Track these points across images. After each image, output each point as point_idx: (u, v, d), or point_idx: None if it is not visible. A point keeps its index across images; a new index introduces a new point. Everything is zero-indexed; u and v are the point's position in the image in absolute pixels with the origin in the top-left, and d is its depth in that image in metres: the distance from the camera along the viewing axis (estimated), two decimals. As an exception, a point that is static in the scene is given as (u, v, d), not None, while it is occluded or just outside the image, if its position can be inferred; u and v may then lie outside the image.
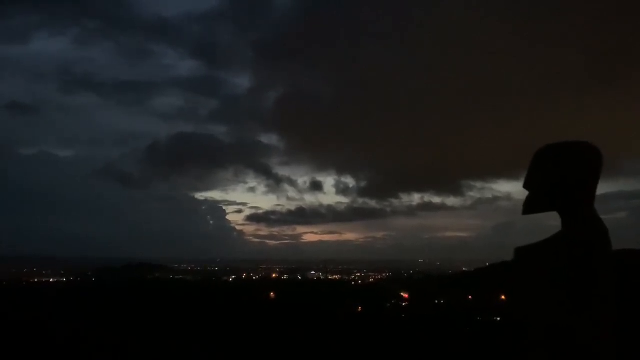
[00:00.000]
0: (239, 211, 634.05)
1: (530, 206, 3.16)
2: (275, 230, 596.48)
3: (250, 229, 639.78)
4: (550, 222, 3.16)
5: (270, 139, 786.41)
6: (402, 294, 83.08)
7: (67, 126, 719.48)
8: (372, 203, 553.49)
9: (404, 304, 69.93)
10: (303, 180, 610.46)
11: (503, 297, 47.61)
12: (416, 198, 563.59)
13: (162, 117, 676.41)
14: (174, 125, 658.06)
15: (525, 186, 3.19)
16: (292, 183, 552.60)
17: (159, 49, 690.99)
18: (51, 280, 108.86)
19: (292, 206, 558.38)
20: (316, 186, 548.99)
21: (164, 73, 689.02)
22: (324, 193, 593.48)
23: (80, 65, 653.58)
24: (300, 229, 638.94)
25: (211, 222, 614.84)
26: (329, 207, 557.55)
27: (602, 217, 3.04)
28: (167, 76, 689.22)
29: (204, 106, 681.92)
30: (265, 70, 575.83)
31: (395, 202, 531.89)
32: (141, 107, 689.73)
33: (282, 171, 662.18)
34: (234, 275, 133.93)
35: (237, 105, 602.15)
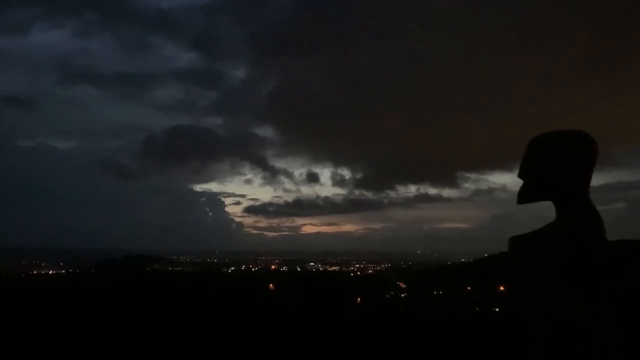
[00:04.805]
0: (238, 203, 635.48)
1: (525, 195, 3.09)
2: (274, 221, 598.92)
3: (249, 220, 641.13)
4: (548, 213, 3.11)
5: (265, 131, 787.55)
6: (400, 284, 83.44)
7: (66, 118, 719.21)
8: (369, 194, 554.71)
9: (402, 295, 70.18)
10: (299, 172, 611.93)
11: (502, 287, 47.81)
12: (412, 189, 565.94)
13: (160, 109, 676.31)
14: (172, 117, 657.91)
15: (520, 175, 3.12)
16: (289, 175, 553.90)
17: (157, 41, 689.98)
18: (50, 272, 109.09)
19: (290, 198, 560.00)
20: (313, 178, 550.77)
21: (163, 65, 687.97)
22: (321, 185, 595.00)
23: (79, 57, 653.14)
24: (298, 221, 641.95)
25: (210, 213, 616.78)
26: (326, 199, 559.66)
27: (600, 207, 2.98)
28: (165, 68, 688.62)
29: (202, 98, 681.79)
30: (262, 62, 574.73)
31: (391, 193, 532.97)
32: (140, 99, 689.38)
33: (278, 163, 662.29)
34: (233, 266, 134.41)
35: (234, 98, 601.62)
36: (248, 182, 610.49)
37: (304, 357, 24.44)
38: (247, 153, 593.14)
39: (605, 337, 2.77)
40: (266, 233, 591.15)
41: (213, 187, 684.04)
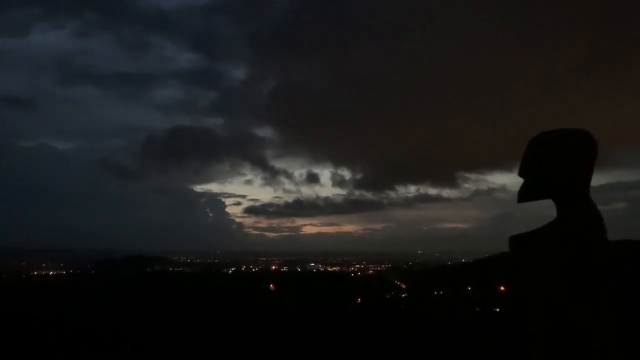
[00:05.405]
0: (238, 203, 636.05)
1: (525, 194, 3.09)
2: (274, 222, 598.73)
3: (249, 221, 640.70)
4: (548, 213, 3.10)
5: (265, 131, 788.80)
6: (401, 285, 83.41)
7: (66, 119, 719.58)
8: (369, 195, 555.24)
9: (403, 295, 70.13)
10: (299, 172, 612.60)
11: (502, 287, 47.78)
12: (412, 189, 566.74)
13: (160, 109, 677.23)
14: (172, 118, 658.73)
15: (520, 174, 3.11)
16: (289, 175, 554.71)
17: (157, 42, 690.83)
18: (50, 272, 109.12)
19: (290, 198, 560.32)
20: (313, 178, 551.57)
21: (163, 65, 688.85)
22: (321, 185, 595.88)
23: (80, 58, 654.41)
24: (299, 221, 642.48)
25: (210, 214, 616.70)
26: (327, 199, 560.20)
27: (600, 207, 2.97)
28: (165, 68, 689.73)
29: (202, 98, 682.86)
30: (262, 62, 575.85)
31: (391, 193, 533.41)
32: (140, 99, 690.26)
33: (278, 163, 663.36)
34: (233, 267, 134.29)
35: (234, 98, 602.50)
36: (248, 182, 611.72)
37: (304, 357, 24.42)
38: (247, 153, 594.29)
39: (605, 337, 2.76)
40: (266, 233, 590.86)
41: (213, 187, 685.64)
